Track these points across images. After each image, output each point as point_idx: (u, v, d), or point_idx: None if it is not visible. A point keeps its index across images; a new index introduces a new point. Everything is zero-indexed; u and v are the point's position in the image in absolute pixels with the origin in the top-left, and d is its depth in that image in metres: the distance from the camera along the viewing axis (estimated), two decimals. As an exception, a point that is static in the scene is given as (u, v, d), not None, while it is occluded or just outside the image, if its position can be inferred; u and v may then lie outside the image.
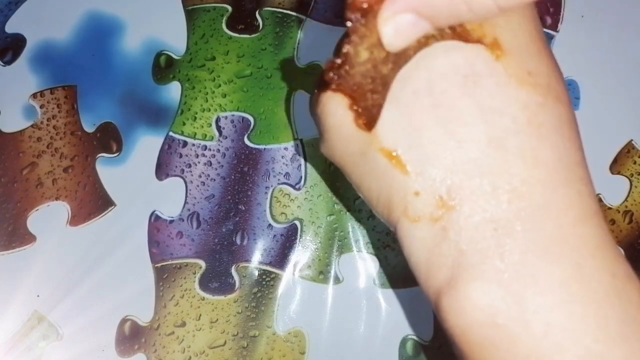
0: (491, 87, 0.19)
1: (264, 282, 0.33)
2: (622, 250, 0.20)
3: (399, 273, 0.34)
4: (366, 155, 0.20)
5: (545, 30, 0.37)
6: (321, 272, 0.34)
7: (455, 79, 0.19)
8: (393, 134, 0.20)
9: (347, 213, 0.34)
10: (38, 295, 0.33)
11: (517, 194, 0.18)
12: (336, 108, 0.20)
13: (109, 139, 0.35)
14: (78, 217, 0.34)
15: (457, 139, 0.19)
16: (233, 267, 0.34)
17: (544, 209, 0.18)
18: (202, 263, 0.34)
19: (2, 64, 0.36)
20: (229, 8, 0.37)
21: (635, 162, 0.35)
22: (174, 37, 0.36)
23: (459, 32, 0.20)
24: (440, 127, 0.19)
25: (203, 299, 0.33)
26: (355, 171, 0.22)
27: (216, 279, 0.33)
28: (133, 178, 0.34)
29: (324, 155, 0.23)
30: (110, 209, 0.34)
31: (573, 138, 0.20)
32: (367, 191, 0.22)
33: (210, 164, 0.35)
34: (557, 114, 0.19)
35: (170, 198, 0.34)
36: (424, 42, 0.20)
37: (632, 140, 0.35)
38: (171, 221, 0.34)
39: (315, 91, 0.21)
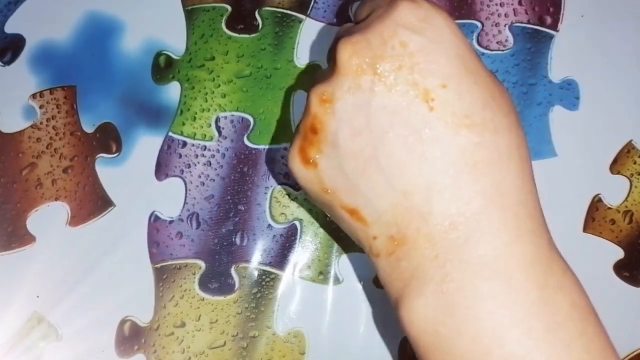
0: (430, 140, 0.22)
1: (263, 283, 0.33)
2: (562, 262, 0.22)
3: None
4: (333, 208, 0.25)
5: (545, 29, 0.37)
6: (321, 272, 0.34)
7: (399, 144, 0.22)
8: (351, 195, 0.23)
9: (347, 213, 0.34)
10: (38, 296, 0.33)
11: (453, 226, 0.21)
12: (300, 170, 0.24)
13: (109, 139, 0.35)
14: (77, 218, 0.34)
15: (402, 191, 0.22)
16: (233, 267, 0.34)
17: (478, 234, 0.21)
18: (202, 263, 0.34)
19: (1, 64, 0.36)
20: (229, 8, 0.36)
21: (635, 162, 0.35)
22: (174, 37, 0.36)
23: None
24: (389, 184, 0.22)
25: (203, 299, 0.33)
26: (331, 214, 0.26)
27: (216, 280, 0.33)
28: (132, 178, 0.34)
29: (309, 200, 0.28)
30: (109, 209, 0.34)
31: (512, 165, 0.22)
32: (343, 229, 0.26)
33: (210, 164, 0.35)
34: (493, 148, 0.22)
35: (170, 198, 0.34)
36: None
37: (632, 140, 0.35)
38: (171, 221, 0.34)
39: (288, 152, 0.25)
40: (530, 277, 0.21)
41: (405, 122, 0.22)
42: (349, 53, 0.22)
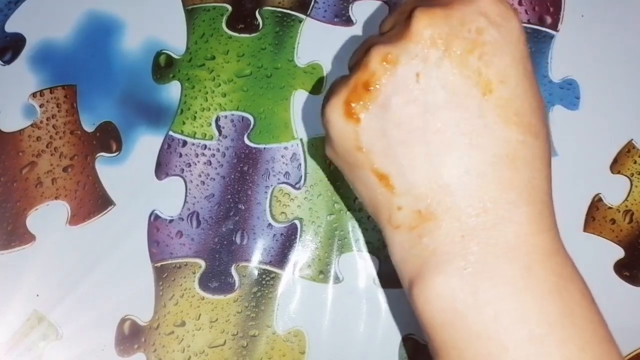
0: (480, 128, 0.22)
1: (263, 282, 0.33)
2: (571, 259, 0.24)
3: (399, 272, 0.34)
4: (360, 169, 0.24)
5: (545, 30, 0.37)
6: (321, 271, 0.34)
7: (450, 123, 0.22)
8: (386, 160, 0.23)
9: (347, 212, 0.34)
10: (38, 295, 0.33)
11: (485, 210, 0.22)
12: (339, 121, 0.24)
13: (109, 139, 0.35)
14: (77, 217, 0.34)
15: (442, 169, 0.23)
16: (233, 266, 0.34)
17: (506, 222, 0.22)
18: (202, 262, 0.34)
19: (1, 63, 0.36)
20: (229, 7, 0.37)
21: (635, 162, 0.35)
22: (174, 37, 0.36)
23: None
24: (430, 159, 0.23)
25: (203, 298, 0.33)
26: (351, 176, 0.26)
27: (216, 279, 0.33)
28: (133, 177, 0.34)
29: (328, 156, 0.26)
30: (109, 208, 0.34)
31: (542, 169, 0.24)
32: (359, 194, 0.26)
33: (210, 163, 0.35)
34: (532, 150, 0.23)
35: (170, 197, 0.34)
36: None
37: (632, 139, 0.35)
38: (171, 220, 0.34)
39: (324, 101, 0.25)
40: (548, 266, 0.22)
41: (461, 104, 0.22)
42: (426, 23, 0.22)
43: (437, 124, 0.22)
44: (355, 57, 0.26)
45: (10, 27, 0.36)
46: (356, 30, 0.36)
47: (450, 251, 0.22)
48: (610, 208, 0.34)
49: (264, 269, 0.34)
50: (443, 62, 0.22)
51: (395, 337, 0.33)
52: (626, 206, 0.35)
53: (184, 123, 0.35)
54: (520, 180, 0.23)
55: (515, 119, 0.23)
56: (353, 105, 0.23)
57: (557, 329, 0.22)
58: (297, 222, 0.34)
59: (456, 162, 0.22)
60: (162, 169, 0.34)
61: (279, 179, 0.34)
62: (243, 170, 0.34)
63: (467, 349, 0.22)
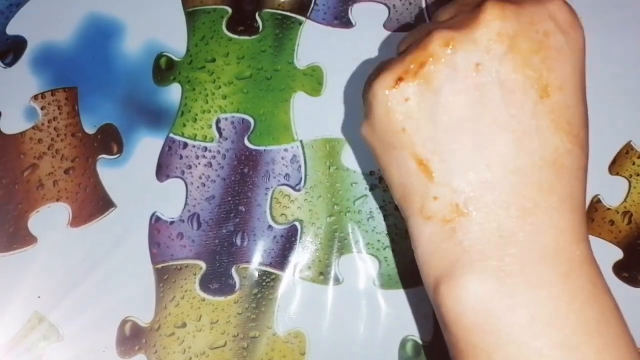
0: (532, 129, 0.22)
1: (264, 283, 0.34)
2: (601, 269, 0.24)
3: (399, 274, 0.34)
4: (398, 151, 0.23)
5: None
6: (321, 273, 0.34)
7: (501, 119, 0.22)
8: (429, 145, 0.23)
9: (347, 214, 0.34)
10: (39, 296, 0.33)
11: (526, 212, 0.22)
12: (387, 99, 0.23)
13: (110, 141, 0.35)
14: (79, 219, 0.34)
15: (487, 164, 0.22)
16: (233, 268, 0.34)
17: (547, 227, 0.22)
18: (203, 264, 0.34)
19: (3, 65, 0.36)
20: (229, 10, 0.37)
21: (634, 163, 0.35)
22: (174, 39, 0.36)
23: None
24: (475, 151, 0.22)
25: (203, 299, 0.33)
26: (385, 158, 0.24)
27: (216, 280, 0.34)
28: (133, 179, 0.34)
29: (362, 134, 0.25)
30: (110, 210, 0.34)
31: (583, 181, 0.24)
32: (389, 177, 0.24)
33: (211, 165, 0.35)
34: (577, 160, 0.23)
35: (171, 199, 0.34)
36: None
37: (630, 141, 0.35)
38: (171, 222, 0.34)
39: (372, 76, 0.24)
40: (586, 275, 0.22)
41: (517, 102, 0.22)
42: (496, 15, 0.22)
43: (488, 117, 0.22)
44: (411, 39, 0.25)
45: (12, 29, 0.36)
46: (356, 32, 0.36)
47: (487, 251, 0.22)
48: (608, 209, 0.35)
49: (264, 271, 0.34)
50: (506, 57, 0.22)
51: (395, 338, 0.33)
52: (625, 207, 0.35)
53: (184, 125, 0.35)
54: (562, 187, 0.22)
55: (566, 128, 0.23)
56: (404, 83, 0.23)
57: (593, 337, 0.21)
58: (297, 223, 0.34)
59: (503, 159, 0.22)
60: (162, 170, 0.35)
61: (279, 180, 0.35)
62: (243, 172, 0.35)
63: (497, 351, 0.21)
